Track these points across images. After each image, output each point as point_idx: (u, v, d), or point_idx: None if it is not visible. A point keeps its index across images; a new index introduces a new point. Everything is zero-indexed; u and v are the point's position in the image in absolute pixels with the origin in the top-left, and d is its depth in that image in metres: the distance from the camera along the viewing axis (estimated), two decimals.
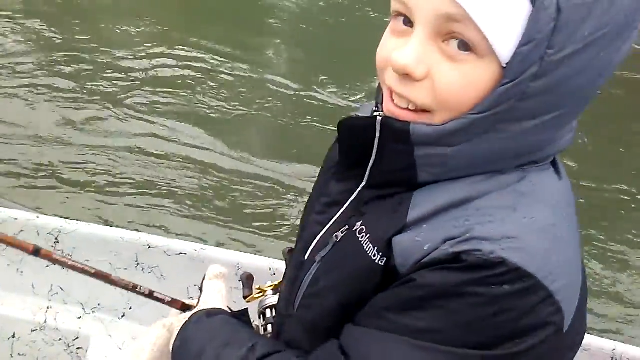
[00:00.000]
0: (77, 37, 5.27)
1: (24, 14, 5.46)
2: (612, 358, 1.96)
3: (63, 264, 1.06)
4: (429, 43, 0.77)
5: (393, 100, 0.83)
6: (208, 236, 3.56)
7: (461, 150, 0.80)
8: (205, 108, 4.67)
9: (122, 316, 2.15)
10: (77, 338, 2.10)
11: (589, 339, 2.00)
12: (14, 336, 2.09)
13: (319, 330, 0.89)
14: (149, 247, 2.12)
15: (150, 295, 1.10)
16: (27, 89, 4.52)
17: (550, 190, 0.85)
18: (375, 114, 0.84)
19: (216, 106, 4.71)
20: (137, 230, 2.50)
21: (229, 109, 4.72)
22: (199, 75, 5.00)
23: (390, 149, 0.83)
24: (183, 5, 6.20)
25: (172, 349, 1.00)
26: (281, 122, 4.75)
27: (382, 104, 0.85)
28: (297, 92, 5.08)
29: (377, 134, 0.83)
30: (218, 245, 3.13)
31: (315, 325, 0.90)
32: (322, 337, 0.87)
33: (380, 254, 0.83)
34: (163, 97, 4.68)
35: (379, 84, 0.89)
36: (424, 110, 0.80)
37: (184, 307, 1.11)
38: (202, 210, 3.80)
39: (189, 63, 5.13)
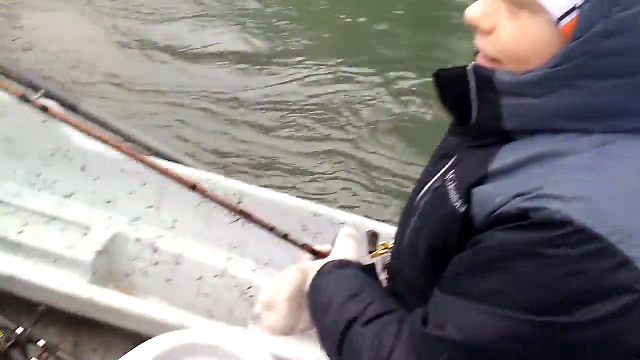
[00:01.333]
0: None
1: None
2: None
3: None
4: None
5: None
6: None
7: (542, 102, 0.81)
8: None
9: None
10: (250, 287, 2.41)
11: None
12: (200, 278, 2.46)
13: (414, 285, 0.95)
14: (314, 215, 2.36)
15: (285, 237, 1.29)
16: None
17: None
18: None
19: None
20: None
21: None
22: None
23: (483, 98, 0.86)
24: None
25: (307, 293, 1.07)
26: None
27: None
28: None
29: (472, 83, 0.87)
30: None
31: (411, 281, 0.97)
32: (418, 292, 0.92)
33: (461, 200, 0.85)
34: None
35: None
36: (496, 61, 0.85)
37: (313, 252, 1.26)
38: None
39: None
